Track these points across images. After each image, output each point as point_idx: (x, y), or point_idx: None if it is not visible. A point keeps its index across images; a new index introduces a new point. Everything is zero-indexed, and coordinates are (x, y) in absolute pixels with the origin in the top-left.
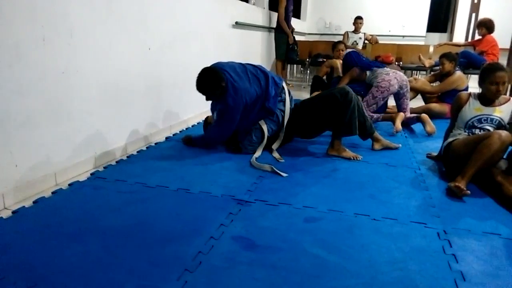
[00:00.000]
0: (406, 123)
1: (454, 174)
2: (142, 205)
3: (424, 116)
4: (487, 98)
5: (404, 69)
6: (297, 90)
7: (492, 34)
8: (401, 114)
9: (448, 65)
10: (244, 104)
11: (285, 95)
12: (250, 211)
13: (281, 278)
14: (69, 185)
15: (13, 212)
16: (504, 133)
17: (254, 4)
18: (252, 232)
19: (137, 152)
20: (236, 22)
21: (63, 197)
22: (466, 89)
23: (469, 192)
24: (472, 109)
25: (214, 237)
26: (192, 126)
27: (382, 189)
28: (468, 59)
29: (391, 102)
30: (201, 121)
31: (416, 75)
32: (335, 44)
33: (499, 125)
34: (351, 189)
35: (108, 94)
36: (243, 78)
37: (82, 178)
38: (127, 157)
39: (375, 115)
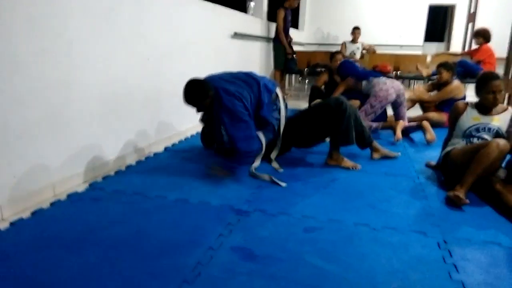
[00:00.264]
0: (405, 132)
1: (453, 183)
2: (141, 216)
3: (425, 123)
4: (485, 107)
5: (401, 78)
6: (295, 100)
7: (489, 44)
8: (401, 123)
9: (445, 74)
10: (245, 101)
11: (279, 102)
12: (249, 221)
13: None
14: (67, 196)
15: (11, 224)
16: (502, 141)
17: (252, 15)
18: (251, 242)
19: (136, 162)
20: (235, 33)
21: (62, 208)
22: (464, 98)
23: (468, 201)
24: (470, 118)
25: (213, 248)
26: (191, 136)
27: (381, 198)
28: (465, 68)
29: (390, 111)
30: (199, 131)
31: (414, 84)
32: (333, 54)
33: (497, 134)
34: (350, 198)
35: (107, 105)
36: (235, 83)
37: (81, 189)
38: (126, 167)
39: (374, 124)
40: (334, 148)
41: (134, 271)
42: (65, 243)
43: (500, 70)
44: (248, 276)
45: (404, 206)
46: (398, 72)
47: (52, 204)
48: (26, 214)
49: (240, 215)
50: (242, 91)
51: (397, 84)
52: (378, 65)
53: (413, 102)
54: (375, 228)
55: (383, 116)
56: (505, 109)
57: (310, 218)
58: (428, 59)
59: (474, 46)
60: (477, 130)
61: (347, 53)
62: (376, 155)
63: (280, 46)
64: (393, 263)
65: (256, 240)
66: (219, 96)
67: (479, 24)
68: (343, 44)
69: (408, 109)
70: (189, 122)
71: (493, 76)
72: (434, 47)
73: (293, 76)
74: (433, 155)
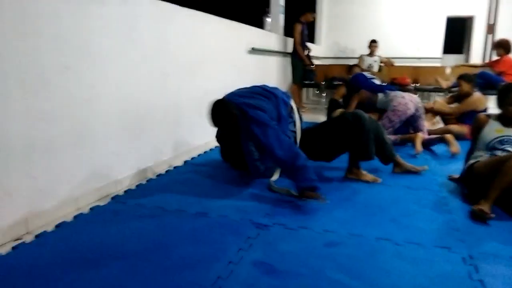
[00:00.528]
0: (426, 144)
1: (477, 196)
2: (161, 230)
3: (449, 136)
4: (508, 118)
5: (421, 91)
6: (312, 113)
7: (509, 55)
8: (420, 135)
9: (466, 86)
10: (268, 113)
11: (294, 115)
12: (269, 235)
13: None
14: (90, 209)
15: (36, 236)
16: None
17: (269, 30)
18: (272, 256)
19: (157, 176)
20: (252, 48)
21: (84, 222)
22: (485, 110)
23: (493, 215)
24: (493, 131)
25: (233, 262)
26: (210, 150)
27: (403, 212)
28: (485, 80)
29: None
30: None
31: (434, 97)
32: (350, 67)
33: None
34: (371, 212)
35: (128, 119)
36: (254, 97)
37: (103, 202)
38: (147, 181)
39: (393, 137)
40: (353, 161)
41: (156, 285)
42: (88, 257)
43: None
44: None
45: (427, 220)
46: (417, 85)
47: (75, 217)
48: (50, 227)
49: (260, 229)
50: (263, 104)
51: (415, 97)
52: (397, 77)
53: (433, 115)
54: (398, 243)
55: (403, 130)
56: None
57: (331, 232)
58: (448, 71)
59: (494, 57)
60: (501, 142)
61: (365, 66)
62: (398, 170)
63: (298, 60)
64: (418, 279)
65: (276, 255)
66: (243, 111)
67: (499, 35)
68: (361, 57)
69: (428, 122)
70: (208, 136)
71: None
72: (453, 59)
73: (310, 89)
74: (455, 168)
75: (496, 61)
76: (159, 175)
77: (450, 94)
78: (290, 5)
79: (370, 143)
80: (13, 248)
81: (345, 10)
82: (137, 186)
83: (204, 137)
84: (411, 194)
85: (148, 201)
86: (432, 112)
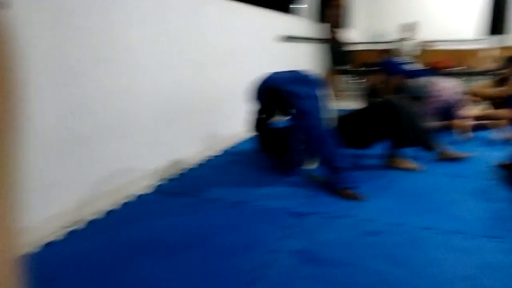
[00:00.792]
0: (473, 130)
1: None
2: (202, 218)
3: (499, 122)
4: None
5: (463, 74)
6: (349, 100)
7: None
8: (463, 121)
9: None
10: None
11: (326, 102)
12: (307, 223)
13: None
14: (137, 197)
15: (88, 223)
16: None
17: (300, 16)
18: (311, 245)
19: (192, 166)
20: (284, 36)
21: (132, 209)
22: None
23: None
24: None
25: (273, 250)
26: (246, 139)
27: (448, 201)
28: None
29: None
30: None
31: (477, 80)
32: (386, 52)
33: None
34: (413, 201)
35: (168, 109)
36: (301, 85)
37: (149, 190)
38: (183, 171)
39: (435, 124)
40: (392, 149)
41: (197, 272)
42: (134, 244)
43: None
44: (309, 280)
45: (472, 209)
46: (460, 68)
47: (124, 204)
48: (101, 214)
49: (298, 218)
50: (309, 91)
51: (452, 83)
52: (438, 61)
53: (478, 99)
54: (443, 232)
55: (447, 115)
56: None
57: (370, 221)
58: (492, 53)
59: None
60: None
61: (403, 50)
62: (442, 157)
63: (330, 45)
64: (463, 269)
65: (316, 243)
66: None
67: None
68: (399, 41)
69: (473, 106)
70: (241, 126)
71: None
72: (498, 41)
73: (347, 76)
74: (502, 154)
75: None
76: (194, 165)
77: (496, 77)
78: None
79: (407, 130)
80: (66, 234)
81: None
82: (173, 176)
83: (237, 127)
84: (456, 182)
85: (190, 190)
86: (476, 96)
